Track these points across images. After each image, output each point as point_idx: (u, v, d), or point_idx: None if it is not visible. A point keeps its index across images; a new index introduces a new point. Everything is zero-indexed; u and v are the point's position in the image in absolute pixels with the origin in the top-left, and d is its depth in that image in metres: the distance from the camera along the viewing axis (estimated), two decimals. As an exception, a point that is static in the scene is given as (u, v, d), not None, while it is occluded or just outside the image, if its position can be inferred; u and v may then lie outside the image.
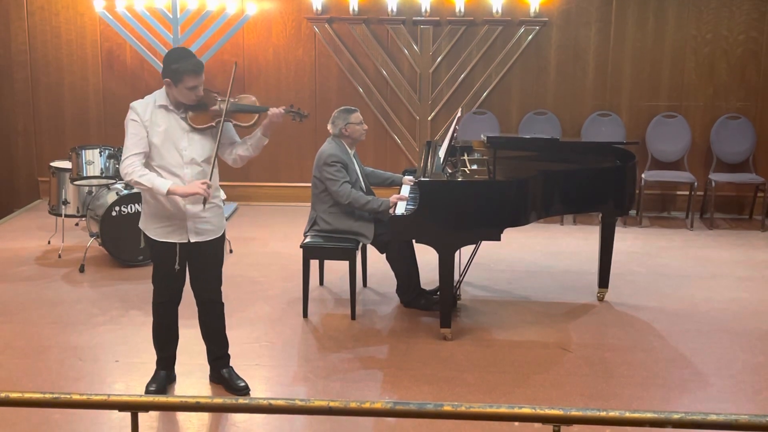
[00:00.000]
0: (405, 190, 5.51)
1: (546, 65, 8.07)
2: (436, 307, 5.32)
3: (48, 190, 7.01)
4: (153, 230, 4.18)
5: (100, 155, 6.44)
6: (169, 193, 4.01)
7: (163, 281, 4.26)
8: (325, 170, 5.28)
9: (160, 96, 4.12)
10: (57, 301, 5.72)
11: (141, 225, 4.25)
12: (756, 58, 7.87)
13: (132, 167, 4.02)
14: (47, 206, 7.02)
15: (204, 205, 4.10)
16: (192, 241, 4.18)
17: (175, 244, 4.16)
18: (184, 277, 4.30)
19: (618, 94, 8.05)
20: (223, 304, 4.42)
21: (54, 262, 6.53)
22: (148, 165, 4.08)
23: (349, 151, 5.46)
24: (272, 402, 2.37)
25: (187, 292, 4.35)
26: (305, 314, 5.44)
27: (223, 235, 4.34)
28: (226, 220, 7.65)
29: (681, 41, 7.92)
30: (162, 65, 4.12)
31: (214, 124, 4.13)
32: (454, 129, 5.50)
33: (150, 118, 4.06)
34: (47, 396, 2.38)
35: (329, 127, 5.48)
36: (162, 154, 4.07)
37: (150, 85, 8.02)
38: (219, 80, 7.90)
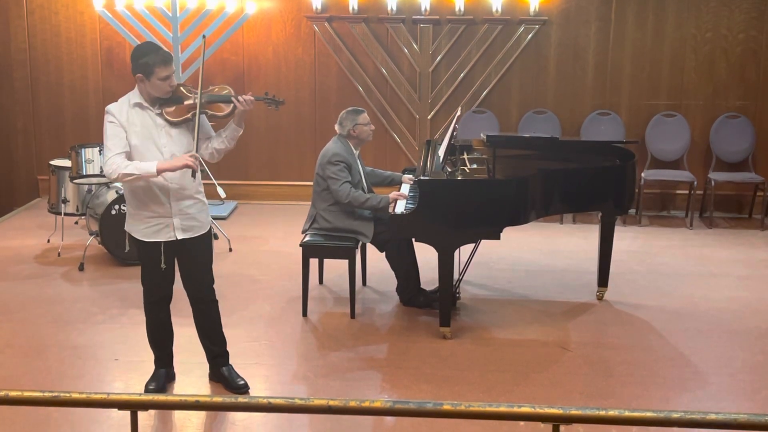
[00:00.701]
0: (405, 189, 5.51)
1: (546, 64, 8.07)
2: (436, 305, 5.32)
3: (47, 188, 7.01)
4: (139, 231, 4.18)
5: (100, 153, 6.44)
6: (158, 171, 3.99)
7: (153, 281, 4.26)
8: (328, 168, 5.29)
9: (133, 95, 4.12)
10: (56, 299, 5.72)
11: (127, 227, 4.24)
12: (755, 57, 7.87)
13: (115, 164, 4.00)
14: (47, 205, 7.02)
15: (194, 177, 4.10)
16: (179, 238, 4.17)
17: (161, 243, 4.16)
18: (174, 275, 4.30)
19: (617, 93, 8.05)
20: (216, 301, 4.41)
21: (53, 260, 6.53)
22: None
23: (354, 151, 5.46)
24: (272, 401, 2.37)
25: (183, 290, 4.35)
26: (305, 313, 5.44)
27: (210, 231, 4.34)
28: (226, 218, 7.71)
29: (680, 40, 7.92)
30: (131, 63, 4.11)
31: (190, 116, 4.12)
32: (454, 128, 5.50)
33: (126, 118, 4.06)
34: (47, 395, 2.38)
35: (337, 127, 5.48)
36: (142, 153, 4.06)
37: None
38: (218, 79, 7.90)
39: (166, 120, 4.11)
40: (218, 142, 4.23)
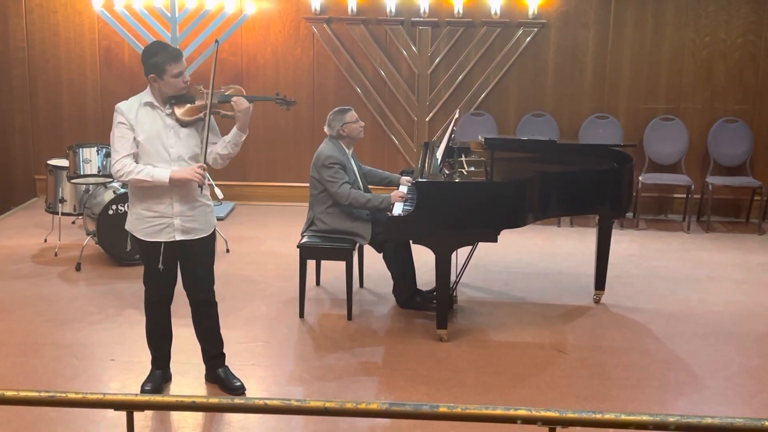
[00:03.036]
0: (403, 189, 5.50)
1: (544, 67, 8.07)
2: (433, 307, 5.32)
3: (45, 187, 7.00)
4: (141, 231, 4.18)
5: (98, 153, 6.43)
6: (171, 180, 4.02)
7: (154, 281, 4.26)
8: (323, 172, 5.28)
9: (145, 94, 4.14)
10: (53, 299, 5.71)
11: (128, 227, 4.24)
12: (754, 61, 7.88)
13: (126, 167, 4.02)
14: (44, 204, 7.01)
15: (201, 190, 4.12)
16: (178, 239, 4.17)
17: (161, 243, 4.16)
18: (175, 276, 4.30)
19: (616, 96, 8.06)
20: (216, 303, 4.41)
21: (50, 260, 6.53)
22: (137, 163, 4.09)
23: (347, 151, 5.45)
24: (268, 402, 2.37)
25: (182, 292, 4.35)
26: (302, 314, 5.44)
27: (213, 234, 4.33)
28: (224, 219, 7.70)
29: (679, 44, 7.93)
30: (143, 65, 4.12)
31: (201, 116, 4.13)
32: (452, 130, 5.50)
33: (135, 117, 4.07)
34: (43, 394, 2.38)
35: (326, 129, 5.47)
36: (149, 152, 4.07)
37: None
38: (217, 79, 7.84)
39: (177, 120, 4.11)
40: (221, 147, 4.22)
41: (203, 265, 4.31)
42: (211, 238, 4.33)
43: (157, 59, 4.04)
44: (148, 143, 4.06)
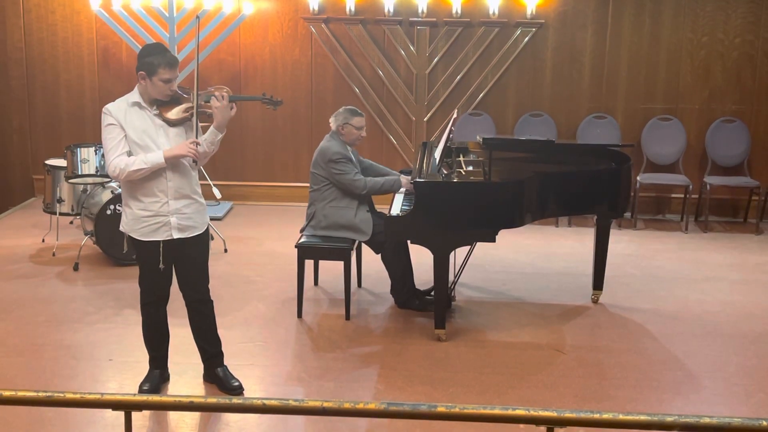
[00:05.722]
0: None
1: (542, 67, 8.08)
2: (431, 307, 5.32)
3: (43, 188, 6.99)
4: (137, 231, 4.17)
5: (96, 153, 6.43)
6: (166, 159, 4.04)
7: (151, 281, 4.26)
8: (332, 167, 5.30)
9: (132, 94, 4.14)
10: (51, 299, 5.71)
11: (123, 228, 4.23)
12: (751, 61, 7.89)
13: (120, 164, 4.03)
14: (42, 204, 7.01)
15: (196, 163, 4.14)
16: (175, 237, 4.17)
17: (159, 242, 4.16)
18: (171, 276, 4.30)
19: (614, 96, 8.07)
20: (212, 302, 4.41)
21: (48, 260, 6.52)
22: None
23: (349, 147, 5.47)
24: (266, 402, 2.37)
25: (178, 292, 4.35)
26: (300, 314, 5.44)
27: (207, 232, 4.34)
28: (222, 219, 7.70)
29: (677, 44, 7.93)
30: (137, 60, 4.13)
31: (188, 115, 4.14)
32: (450, 130, 5.51)
33: (124, 117, 4.08)
34: (41, 394, 2.38)
35: (331, 120, 5.48)
36: (140, 151, 4.07)
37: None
38: (215, 80, 7.89)
39: (164, 120, 4.12)
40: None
41: (198, 263, 4.31)
42: (206, 236, 4.33)
43: (152, 59, 4.05)
44: (139, 140, 4.07)
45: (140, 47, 8.18)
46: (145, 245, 4.18)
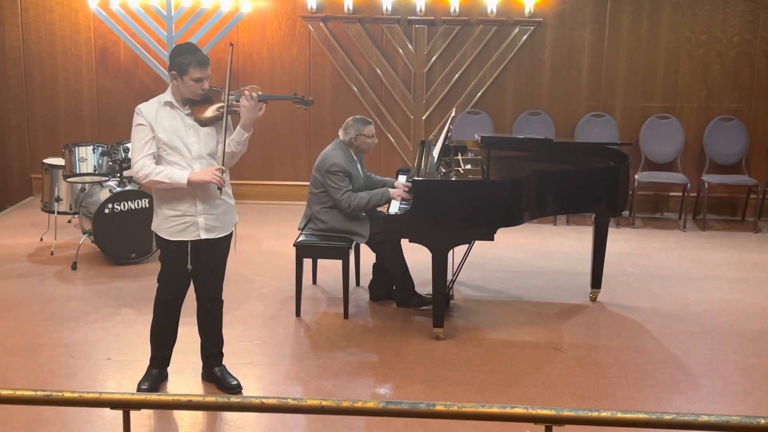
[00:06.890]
0: (401, 178, 5.56)
1: (540, 65, 8.08)
2: (429, 306, 5.32)
3: (41, 187, 6.98)
4: (165, 230, 4.18)
5: (94, 152, 6.42)
6: (189, 182, 4.04)
7: (171, 280, 4.26)
8: (327, 177, 5.31)
9: (165, 94, 4.18)
10: (49, 298, 5.70)
11: (153, 227, 4.25)
12: (750, 60, 7.90)
13: (146, 168, 4.05)
14: (40, 203, 7.00)
15: (220, 191, 4.14)
16: (203, 237, 4.18)
17: (186, 242, 4.16)
18: (190, 277, 4.30)
19: (612, 94, 8.07)
20: (222, 302, 4.43)
21: (46, 259, 6.52)
22: (159, 163, 4.11)
23: (355, 158, 5.47)
24: (264, 401, 2.37)
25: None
26: (298, 313, 5.44)
27: (231, 233, 4.35)
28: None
29: (675, 43, 7.94)
30: (169, 60, 4.18)
31: (219, 114, 4.15)
32: (448, 128, 5.51)
33: (155, 116, 4.10)
34: (39, 393, 2.38)
35: (340, 132, 5.48)
36: (169, 151, 4.09)
37: (144, 82, 8.00)
38: (213, 79, 7.86)
39: (196, 119, 4.13)
40: (229, 145, 4.24)
41: (219, 262, 4.33)
42: (230, 237, 4.34)
43: (183, 59, 4.07)
44: (168, 142, 4.08)
45: (138, 46, 8.21)
46: (172, 244, 4.19)
